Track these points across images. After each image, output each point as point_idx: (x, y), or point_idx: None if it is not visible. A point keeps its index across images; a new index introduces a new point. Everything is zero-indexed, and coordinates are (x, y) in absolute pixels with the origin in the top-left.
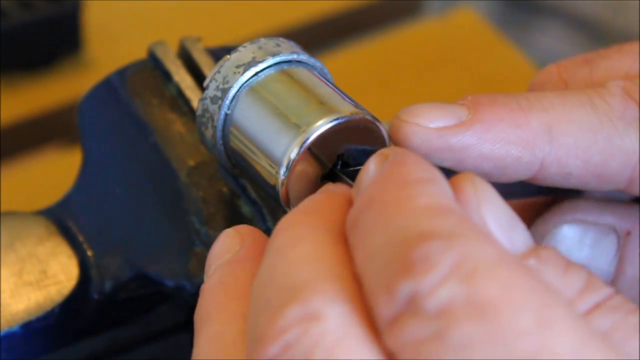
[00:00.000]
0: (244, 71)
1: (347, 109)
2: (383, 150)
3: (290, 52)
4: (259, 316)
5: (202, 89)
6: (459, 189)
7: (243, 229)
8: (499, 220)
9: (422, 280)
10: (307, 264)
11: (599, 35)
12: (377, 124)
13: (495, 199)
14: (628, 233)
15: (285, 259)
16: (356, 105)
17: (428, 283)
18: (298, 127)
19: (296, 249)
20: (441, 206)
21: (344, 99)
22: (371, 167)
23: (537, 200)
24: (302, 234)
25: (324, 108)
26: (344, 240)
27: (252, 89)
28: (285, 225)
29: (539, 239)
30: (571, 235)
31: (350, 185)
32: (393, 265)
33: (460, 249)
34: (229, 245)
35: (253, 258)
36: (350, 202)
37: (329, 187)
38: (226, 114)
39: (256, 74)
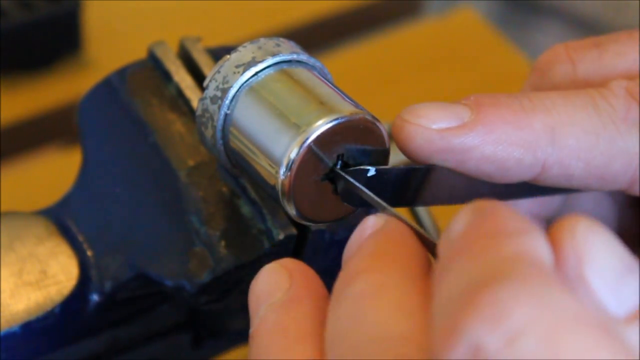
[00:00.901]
0: (244, 71)
1: (347, 109)
2: (476, 203)
3: (290, 52)
4: None
5: (202, 89)
6: (556, 242)
7: (289, 263)
8: (604, 277)
9: (493, 326)
10: (402, 315)
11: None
12: (377, 124)
13: (601, 251)
14: None
15: (375, 308)
16: (356, 105)
17: (502, 332)
18: (298, 127)
19: (384, 298)
20: (530, 256)
21: (344, 99)
22: (462, 219)
23: None
24: (384, 282)
25: (324, 108)
26: (424, 288)
27: (252, 89)
28: (360, 270)
29: None
30: None
31: (355, 186)
32: (460, 306)
33: (541, 298)
34: (276, 283)
35: (308, 297)
36: (411, 239)
37: (387, 225)
38: (226, 114)
39: (256, 73)
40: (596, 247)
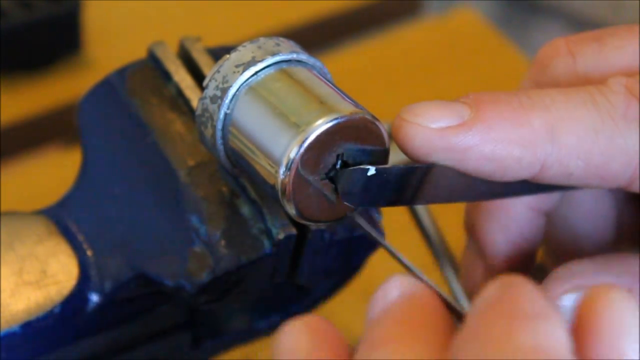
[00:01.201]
0: (244, 70)
1: (346, 109)
2: (505, 278)
3: (289, 51)
4: None
5: (202, 88)
6: (591, 313)
7: (312, 322)
8: None
9: None
10: None
11: None
12: (377, 123)
13: (637, 325)
14: (628, 291)
15: None
16: (356, 104)
17: None
18: (297, 127)
19: None
20: (546, 347)
21: (343, 98)
22: (488, 292)
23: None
24: (409, 355)
25: (324, 107)
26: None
27: (252, 89)
28: (386, 339)
29: None
30: (572, 305)
31: (364, 227)
32: None
33: None
34: (299, 342)
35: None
36: (438, 307)
37: (415, 291)
38: (226, 114)
39: (255, 73)
40: (632, 321)
